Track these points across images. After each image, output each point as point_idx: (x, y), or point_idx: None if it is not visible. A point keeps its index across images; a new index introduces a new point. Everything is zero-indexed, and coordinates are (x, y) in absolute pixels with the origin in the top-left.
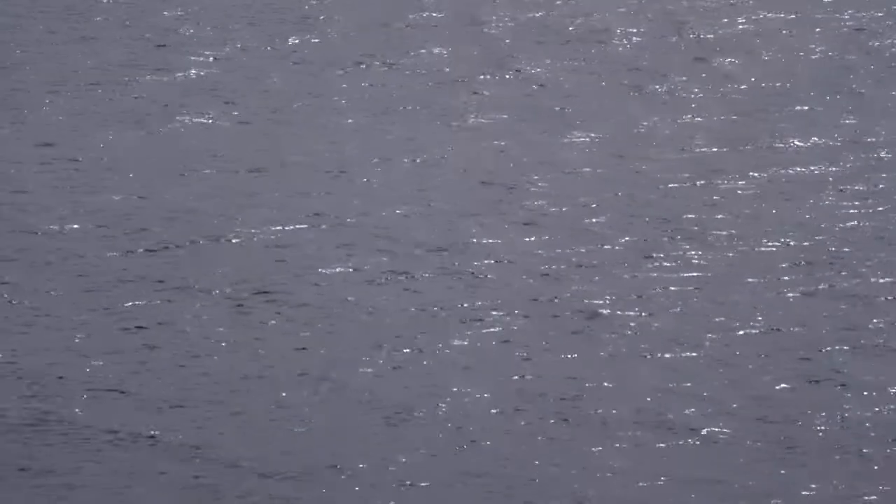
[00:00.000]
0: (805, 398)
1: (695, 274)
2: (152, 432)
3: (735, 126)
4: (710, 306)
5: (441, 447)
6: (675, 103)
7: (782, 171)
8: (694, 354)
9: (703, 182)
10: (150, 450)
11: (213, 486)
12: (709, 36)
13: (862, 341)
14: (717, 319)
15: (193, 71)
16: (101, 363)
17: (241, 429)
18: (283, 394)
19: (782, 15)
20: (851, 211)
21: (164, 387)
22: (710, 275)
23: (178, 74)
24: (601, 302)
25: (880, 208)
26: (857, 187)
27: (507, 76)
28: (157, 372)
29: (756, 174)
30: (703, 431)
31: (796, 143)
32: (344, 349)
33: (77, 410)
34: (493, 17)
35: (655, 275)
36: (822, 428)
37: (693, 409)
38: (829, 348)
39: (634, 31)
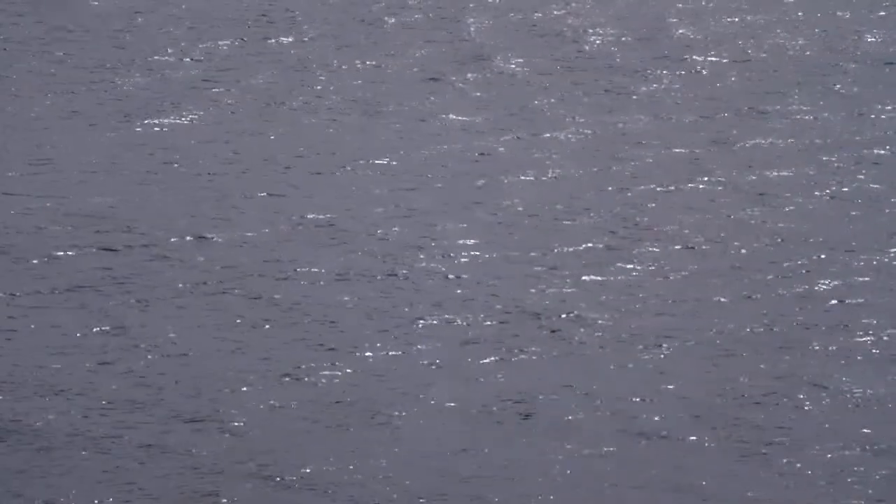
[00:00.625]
0: (779, 399)
1: (671, 276)
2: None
3: (714, 126)
4: (687, 308)
5: (408, 450)
6: (653, 103)
7: (764, 173)
8: (664, 357)
9: (680, 183)
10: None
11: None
12: (689, 35)
13: (842, 343)
14: (693, 321)
15: (172, 71)
16: (59, 365)
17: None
18: (246, 389)
19: (764, 15)
20: (830, 213)
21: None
22: (687, 276)
23: (161, 73)
24: (575, 303)
25: (860, 211)
26: (840, 188)
27: (487, 74)
28: (119, 373)
29: (735, 174)
30: (679, 436)
31: (777, 143)
32: (309, 349)
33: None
34: (471, 19)
35: (632, 276)
36: (798, 430)
37: (665, 413)
38: (806, 350)
39: (615, 31)
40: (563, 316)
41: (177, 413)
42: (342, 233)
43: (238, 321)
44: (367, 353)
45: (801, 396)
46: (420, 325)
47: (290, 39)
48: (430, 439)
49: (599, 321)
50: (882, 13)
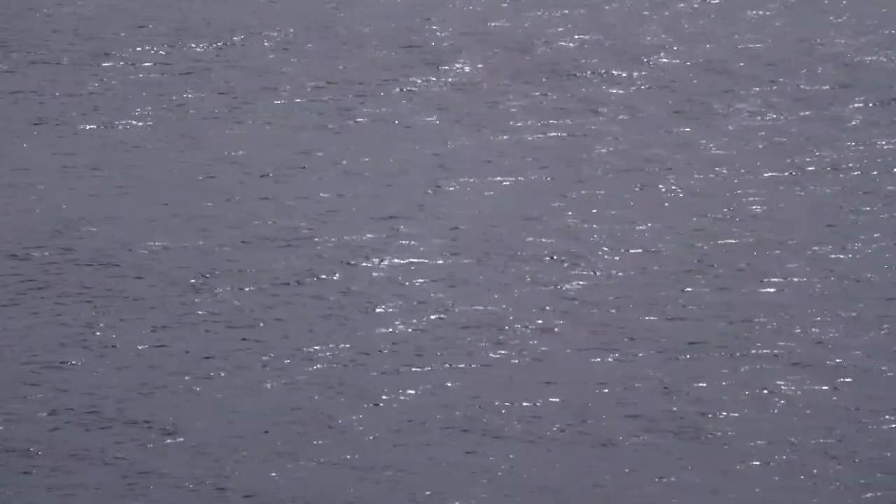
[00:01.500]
0: (738, 407)
1: (630, 279)
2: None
3: (677, 127)
4: (643, 311)
5: (338, 455)
6: (617, 106)
7: (724, 173)
8: (612, 360)
9: (641, 185)
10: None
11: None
12: (652, 39)
13: (790, 344)
14: (647, 326)
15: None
16: None
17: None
18: (199, 389)
19: (728, 18)
20: (793, 214)
21: None
22: (644, 278)
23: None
24: (533, 309)
25: (825, 211)
26: (800, 189)
27: (443, 78)
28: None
29: (697, 175)
30: (627, 441)
31: (739, 143)
32: (251, 354)
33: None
34: (429, 22)
35: (591, 281)
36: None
37: (620, 419)
38: (753, 352)
39: (579, 36)
40: (520, 326)
41: None
42: (283, 233)
43: (190, 323)
44: (318, 359)
45: (747, 399)
46: (357, 330)
47: (256, 45)
48: (388, 448)
49: (555, 329)
50: (847, 16)
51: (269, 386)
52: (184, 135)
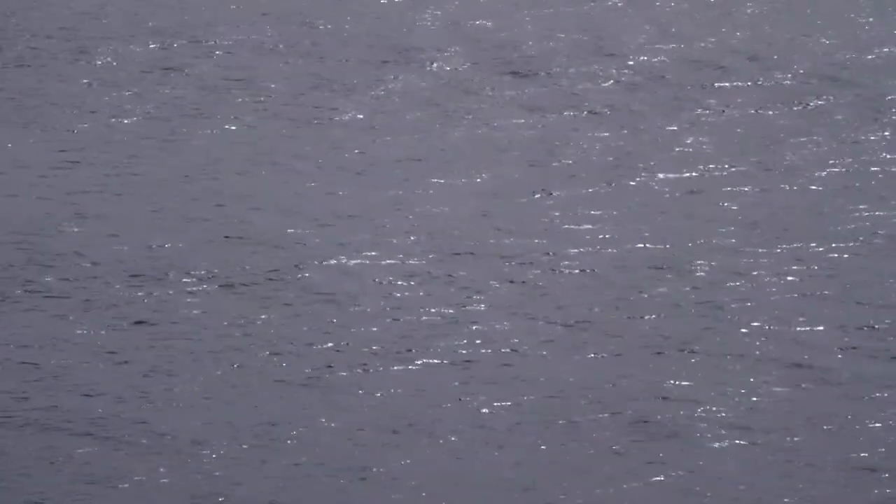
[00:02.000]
0: (716, 405)
1: (593, 276)
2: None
3: (648, 123)
4: (610, 311)
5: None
6: (587, 101)
7: (698, 167)
8: (590, 358)
9: (612, 180)
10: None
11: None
12: (626, 38)
13: (770, 343)
14: (618, 324)
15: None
16: None
17: None
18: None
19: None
20: (759, 215)
21: None
22: (610, 276)
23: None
24: (496, 308)
25: (795, 210)
26: (773, 185)
27: (422, 76)
28: None
29: (669, 171)
30: (604, 438)
31: (714, 138)
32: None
33: None
34: (409, 20)
35: (552, 278)
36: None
37: (598, 417)
38: (734, 352)
39: (554, 35)
40: (495, 324)
41: None
42: (271, 236)
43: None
44: (289, 358)
45: (724, 398)
46: (351, 331)
47: (228, 42)
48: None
49: (530, 327)
50: (833, 15)
51: (242, 385)
52: (162, 133)
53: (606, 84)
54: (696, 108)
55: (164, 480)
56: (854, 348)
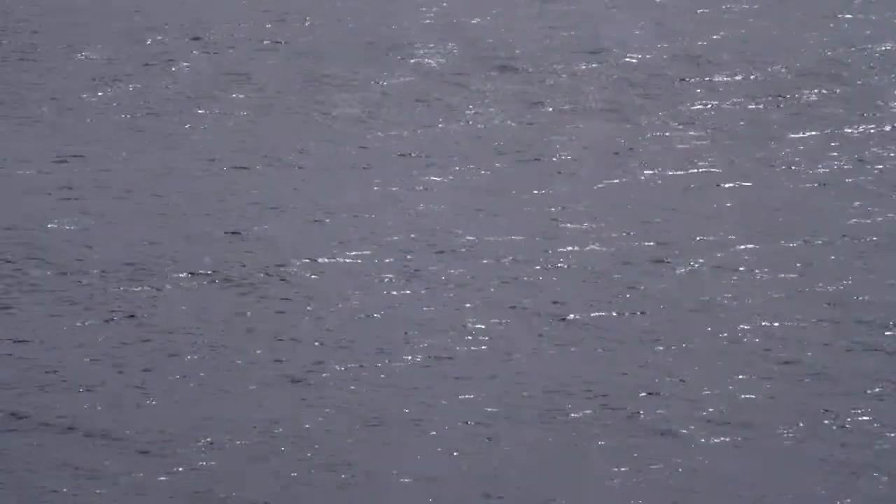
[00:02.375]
0: (703, 402)
1: (587, 271)
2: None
3: (638, 119)
4: (598, 306)
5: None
6: (575, 98)
7: (687, 164)
8: (577, 352)
9: (599, 177)
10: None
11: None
12: (614, 35)
13: (756, 339)
14: (606, 319)
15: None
16: None
17: None
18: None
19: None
20: (746, 210)
21: None
22: (603, 271)
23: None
24: (485, 303)
25: (783, 206)
26: (761, 182)
27: (404, 70)
28: None
29: (658, 167)
30: (591, 435)
31: (703, 135)
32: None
33: None
34: (395, 17)
35: (548, 277)
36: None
37: (586, 413)
38: (720, 346)
39: (542, 32)
40: (484, 320)
41: None
42: (259, 233)
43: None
44: (281, 355)
45: (713, 395)
46: (342, 327)
47: (227, 39)
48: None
49: (520, 323)
50: (824, 11)
51: (231, 384)
52: (160, 129)
53: (601, 80)
54: (690, 103)
55: (162, 479)
56: (849, 345)
